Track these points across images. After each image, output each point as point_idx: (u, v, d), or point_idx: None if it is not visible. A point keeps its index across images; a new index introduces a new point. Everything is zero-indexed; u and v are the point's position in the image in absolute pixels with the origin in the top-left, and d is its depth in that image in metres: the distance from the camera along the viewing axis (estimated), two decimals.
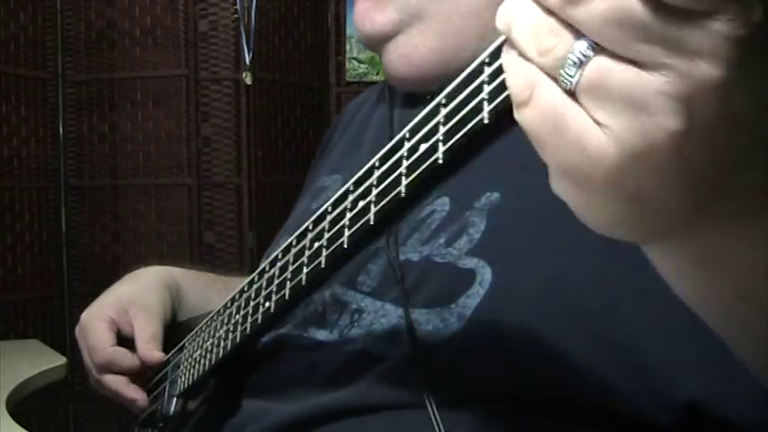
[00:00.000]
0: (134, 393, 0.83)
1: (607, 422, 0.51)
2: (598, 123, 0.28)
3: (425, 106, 0.73)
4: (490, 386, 0.54)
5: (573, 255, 0.45)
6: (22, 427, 0.93)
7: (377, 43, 0.73)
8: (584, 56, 0.28)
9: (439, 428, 0.52)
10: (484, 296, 0.56)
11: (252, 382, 0.71)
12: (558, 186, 0.30)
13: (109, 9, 2.49)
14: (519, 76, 0.30)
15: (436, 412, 0.53)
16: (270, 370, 0.69)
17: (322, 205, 0.77)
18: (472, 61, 0.78)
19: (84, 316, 0.87)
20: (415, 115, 0.74)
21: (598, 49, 0.27)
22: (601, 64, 0.27)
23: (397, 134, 0.74)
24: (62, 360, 1.37)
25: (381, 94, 0.83)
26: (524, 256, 0.56)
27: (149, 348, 0.82)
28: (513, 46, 0.31)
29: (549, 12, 0.28)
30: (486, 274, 0.56)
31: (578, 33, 0.28)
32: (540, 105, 0.29)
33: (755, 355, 0.38)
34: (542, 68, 0.29)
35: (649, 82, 0.26)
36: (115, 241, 2.52)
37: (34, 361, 1.35)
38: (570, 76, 0.28)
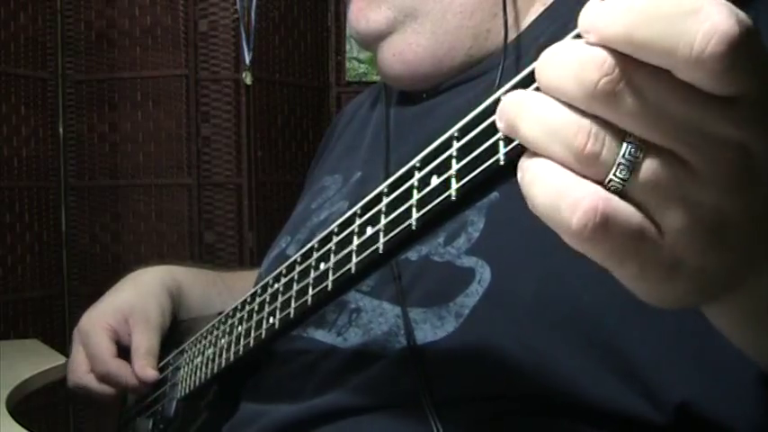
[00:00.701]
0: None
1: (600, 422, 0.51)
2: (649, 217, 0.28)
3: (419, 105, 0.74)
4: (486, 385, 0.54)
5: (569, 255, 0.45)
6: (22, 427, 0.93)
7: (371, 42, 0.74)
8: (634, 157, 0.27)
9: (436, 428, 0.52)
10: (482, 295, 0.56)
11: (251, 384, 0.71)
12: (620, 276, 0.31)
13: (109, 9, 2.49)
14: (562, 194, 0.28)
15: (433, 412, 0.53)
16: (269, 371, 0.69)
17: (322, 205, 0.78)
18: (465, 60, 0.77)
19: (85, 321, 0.87)
20: (410, 114, 0.75)
21: (645, 147, 0.27)
22: (652, 165, 0.27)
23: (392, 133, 0.75)
24: (62, 360, 1.37)
25: (379, 95, 0.84)
26: (522, 256, 0.56)
27: (143, 366, 0.82)
28: (532, 150, 0.29)
29: (580, 110, 0.28)
30: (485, 273, 0.56)
31: (619, 133, 0.28)
32: (606, 231, 0.28)
33: None
34: (586, 176, 0.28)
35: (695, 178, 0.27)
36: (115, 241, 2.52)
37: (34, 361, 1.35)
38: (623, 180, 0.28)
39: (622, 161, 0.28)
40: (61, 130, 2.51)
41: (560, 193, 0.28)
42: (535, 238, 0.56)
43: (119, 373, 0.82)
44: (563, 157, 0.28)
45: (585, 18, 0.27)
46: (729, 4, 0.25)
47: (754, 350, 0.38)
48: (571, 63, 0.27)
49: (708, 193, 0.28)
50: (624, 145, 0.28)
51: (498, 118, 0.31)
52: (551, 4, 0.70)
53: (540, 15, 0.69)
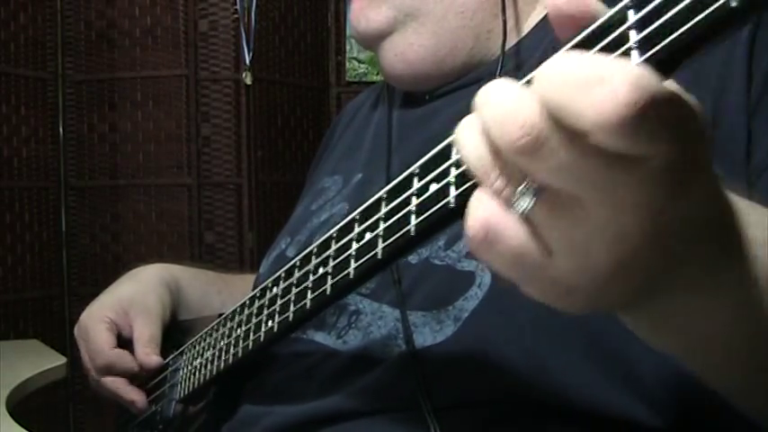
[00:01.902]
0: (133, 395, 0.83)
1: (600, 428, 0.51)
2: (544, 241, 0.31)
3: (422, 107, 0.74)
4: (485, 390, 0.54)
5: None
6: (22, 427, 0.93)
7: (372, 41, 0.74)
8: (536, 191, 0.30)
9: (435, 431, 0.52)
10: (482, 299, 0.56)
11: (251, 386, 0.71)
12: (523, 290, 0.35)
13: (109, 9, 2.49)
14: (476, 217, 0.32)
15: (432, 416, 0.53)
16: (269, 372, 0.69)
17: (322, 206, 0.77)
18: (467, 61, 0.77)
19: (84, 316, 0.87)
20: (413, 117, 0.75)
21: (542, 190, 0.30)
22: (547, 207, 0.30)
23: (394, 135, 0.75)
24: (62, 360, 1.37)
25: (380, 95, 0.84)
26: None
27: (147, 353, 0.82)
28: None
29: (496, 152, 0.31)
30: (485, 276, 0.56)
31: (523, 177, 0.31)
32: (498, 248, 0.32)
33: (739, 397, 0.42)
34: (496, 197, 0.32)
35: (590, 221, 0.30)
36: (115, 241, 2.52)
37: (34, 361, 1.35)
38: (521, 212, 0.31)
39: (528, 188, 0.31)
40: (61, 130, 2.51)
41: (475, 204, 0.32)
42: None
43: (117, 361, 0.82)
44: (485, 186, 0.32)
45: (538, 70, 0.29)
46: (638, 71, 0.26)
47: (677, 357, 0.41)
48: (499, 111, 0.29)
49: (602, 241, 0.30)
50: (523, 186, 0.31)
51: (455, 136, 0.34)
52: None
53: (542, 20, 0.69)
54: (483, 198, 0.32)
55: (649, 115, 0.26)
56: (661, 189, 0.29)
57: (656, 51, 0.28)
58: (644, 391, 0.51)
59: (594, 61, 0.27)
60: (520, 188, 0.31)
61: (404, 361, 0.57)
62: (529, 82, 0.31)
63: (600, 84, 0.26)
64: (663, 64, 0.28)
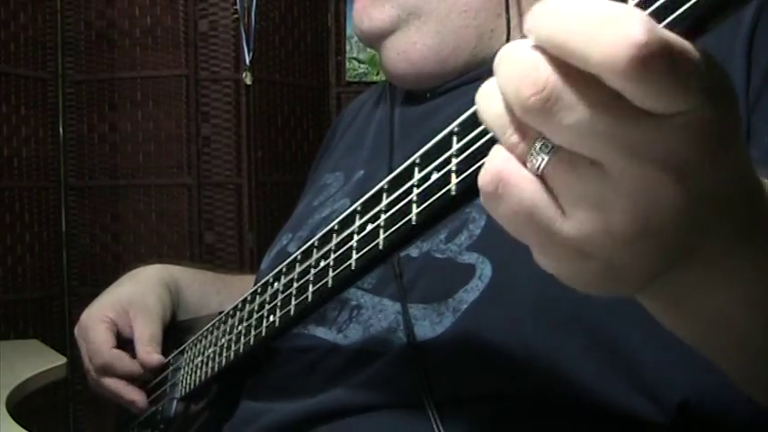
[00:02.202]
0: (133, 395, 0.83)
1: (601, 421, 0.51)
2: (559, 202, 0.30)
3: (424, 105, 0.74)
4: (485, 382, 0.54)
5: None
6: (22, 427, 0.93)
7: (374, 40, 0.74)
8: (546, 153, 0.30)
9: (437, 426, 0.52)
10: (483, 291, 0.56)
11: (252, 382, 0.71)
12: (536, 258, 0.33)
13: (109, 9, 2.49)
14: (488, 169, 0.31)
15: (434, 410, 0.53)
16: (270, 369, 0.69)
17: (323, 203, 0.77)
18: (469, 60, 0.77)
19: (84, 316, 0.87)
20: (415, 114, 0.75)
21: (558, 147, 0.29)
22: (562, 164, 0.29)
23: (396, 132, 0.75)
24: (62, 360, 1.37)
25: (382, 94, 0.84)
26: (524, 253, 0.56)
27: (148, 351, 0.82)
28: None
29: (511, 111, 0.30)
30: (485, 269, 0.56)
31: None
32: (509, 203, 0.31)
33: (741, 377, 0.41)
34: (512, 153, 0.31)
35: (607, 185, 0.28)
36: (115, 241, 2.52)
37: (34, 361, 1.35)
38: (535, 168, 0.30)
39: (534, 155, 0.30)
40: (61, 130, 2.51)
41: (487, 161, 0.31)
42: None
43: (116, 361, 0.82)
44: (500, 140, 0.31)
45: (528, 19, 0.28)
46: (651, 19, 0.26)
47: (689, 339, 0.40)
48: (514, 69, 0.29)
49: (622, 201, 0.29)
50: (540, 141, 0.30)
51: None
52: None
53: None
54: (498, 151, 0.31)
55: (664, 61, 0.25)
56: (690, 149, 0.28)
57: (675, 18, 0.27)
58: (644, 384, 0.51)
59: (606, 3, 0.26)
60: (537, 145, 0.30)
61: (404, 354, 0.57)
62: None
63: (612, 23, 0.26)
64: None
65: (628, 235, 0.29)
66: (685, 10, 0.27)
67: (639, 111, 0.27)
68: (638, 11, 0.26)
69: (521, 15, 0.70)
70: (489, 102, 0.31)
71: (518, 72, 0.28)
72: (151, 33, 2.47)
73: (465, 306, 0.56)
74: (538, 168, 0.30)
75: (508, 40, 0.67)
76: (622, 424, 0.51)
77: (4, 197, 2.35)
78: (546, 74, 0.28)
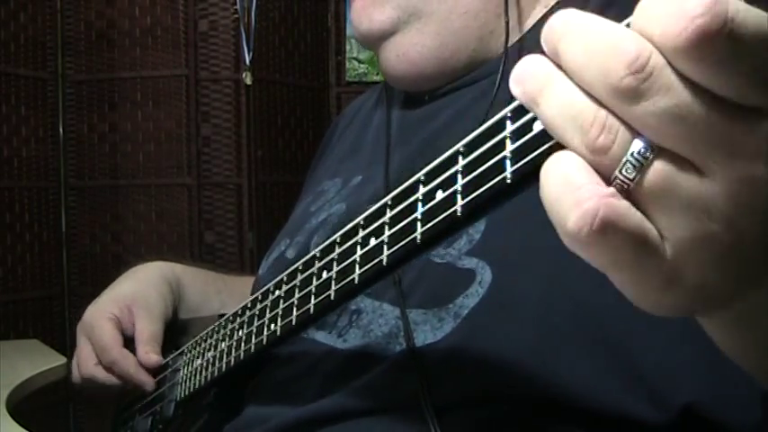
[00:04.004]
0: (142, 376, 0.83)
1: (602, 424, 0.51)
2: (654, 224, 0.27)
3: (422, 108, 0.74)
4: (486, 387, 0.54)
5: (572, 256, 0.46)
6: (22, 427, 0.93)
7: (374, 41, 0.73)
8: (643, 157, 0.26)
9: (435, 431, 0.52)
10: (483, 296, 0.56)
11: (253, 386, 0.71)
12: (615, 281, 0.29)
13: (109, 9, 2.49)
14: (568, 186, 0.27)
15: (433, 415, 0.53)
16: (270, 373, 0.69)
17: (321, 207, 0.77)
18: (469, 62, 0.77)
19: (88, 314, 0.87)
20: (413, 117, 0.75)
21: (657, 149, 0.26)
22: (663, 168, 0.26)
23: (393, 136, 0.74)
24: (62, 360, 1.37)
25: (380, 96, 0.83)
26: (524, 257, 0.56)
27: (147, 351, 0.82)
28: (550, 129, 0.28)
29: (599, 102, 0.26)
30: (485, 274, 0.56)
31: (634, 130, 0.26)
32: (613, 243, 0.26)
33: None
34: (594, 167, 0.27)
35: (710, 190, 0.26)
36: (115, 241, 2.52)
37: (34, 361, 1.35)
38: (629, 179, 0.26)
39: (631, 159, 0.26)
40: (61, 130, 2.51)
41: (567, 184, 0.27)
42: (537, 239, 0.56)
43: (123, 363, 0.82)
44: (576, 145, 0.27)
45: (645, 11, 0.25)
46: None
47: (744, 361, 0.38)
48: (598, 48, 0.25)
49: (721, 208, 0.26)
50: (635, 142, 0.26)
51: (518, 84, 0.29)
52: (553, 6, 0.69)
53: (542, 18, 0.69)
54: (580, 180, 0.26)
55: (724, 39, 0.23)
56: None
57: None
58: (646, 387, 0.51)
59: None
60: (628, 151, 0.26)
61: (404, 359, 0.57)
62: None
63: None
64: None
65: (727, 246, 0.26)
66: None
67: (732, 104, 0.25)
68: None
69: (519, 15, 0.70)
70: (557, 95, 0.27)
71: (604, 48, 0.25)
72: (151, 33, 2.47)
73: (466, 311, 0.56)
74: (633, 181, 0.26)
75: (507, 42, 0.67)
76: (624, 427, 0.51)
77: (4, 197, 2.35)
78: (640, 47, 0.25)
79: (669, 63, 0.25)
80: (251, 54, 2.44)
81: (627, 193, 0.26)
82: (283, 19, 2.64)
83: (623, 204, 0.26)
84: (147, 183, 2.49)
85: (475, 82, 0.70)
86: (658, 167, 0.26)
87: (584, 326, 0.52)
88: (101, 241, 2.53)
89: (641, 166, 0.26)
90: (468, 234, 0.59)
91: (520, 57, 0.69)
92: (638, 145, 0.26)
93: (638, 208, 0.27)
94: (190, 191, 2.48)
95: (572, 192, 0.27)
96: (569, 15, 0.27)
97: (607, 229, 0.26)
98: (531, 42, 0.68)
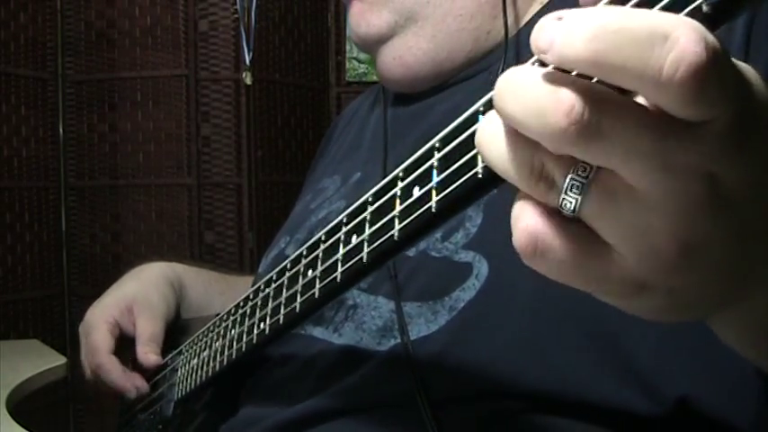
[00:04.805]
0: (130, 383, 0.83)
1: (598, 417, 0.51)
2: (605, 238, 0.28)
3: (416, 104, 0.74)
4: (481, 381, 0.54)
5: None
6: (22, 427, 0.93)
7: (371, 45, 0.74)
8: (581, 183, 0.27)
9: (431, 426, 0.52)
10: (479, 290, 0.56)
11: (250, 384, 0.71)
12: (597, 297, 0.31)
13: (109, 9, 2.49)
14: (521, 231, 0.29)
15: (428, 410, 0.53)
16: (267, 370, 0.69)
17: (321, 205, 0.78)
18: (466, 63, 0.77)
19: (89, 316, 0.87)
20: (407, 114, 0.75)
21: (595, 171, 0.27)
22: (601, 190, 0.27)
23: (390, 133, 0.75)
24: (62, 360, 1.37)
25: (378, 95, 0.84)
26: None
27: (146, 352, 0.82)
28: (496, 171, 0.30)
29: (533, 144, 0.28)
30: (482, 267, 0.56)
31: (572, 160, 0.27)
32: (553, 260, 0.29)
33: None
34: (540, 202, 0.29)
35: (651, 208, 0.27)
36: (115, 241, 2.52)
37: (34, 361, 1.35)
38: (570, 211, 0.28)
39: (566, 198, 0.28)
40: (61, 130, 2.51)
41: (515, 218, 0.29)
42: None
43: (105, 369, 0.82)
44: (520, 186, 0.29)
45: (542, 36, 0.26)
46: (700, 27, 0.24)
47: (761, 363, 0.38)
48: (535, 99, 0.26)
49: (663, 221, 0.27)
50: (567, 179, 0.28)
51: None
52: (547, 3, 0.70)
53: (538, 13, 0.69)
54: (524, 204, 0.29)
55: (715, 74, 0.24)
56: (721, 152, 0.26)
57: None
58: (642, 380, 0.51)
59: (649, 14, 0.25)
60: (566, 185, 0.28)
61: (398, 353, 0.57)
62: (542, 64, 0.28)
63: (663, 41, 0.24)
64: (719, 14, 0.25)
65: (674, 255, 0.28)
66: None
67: (679, 122, 0.26)
68: (684, 17, 0.25)
69: (516, 15, 0.70)
70: (495, 146, 0.29)
71: (542, 102, 0.26)
72: (151, 33, 2.47)
73: (461, 305, 0.56)
74: (574, 210, 0.28)
75: (506, 41, 0.67)
76: (620, 420, 0.51)
77: (4, 197, 2.35)
78: (580, 96, 0.25)
79: (608, 104, 0.26)
80: (251, 54, 2.44)
81: (575, 214, 0.28)
82: (283, 19, 2.64)
83: (553, 222, 0.28)
84: (147, 183, 2.49)
85: (471, 77, 0.70)
86: (595, 198, 0.27)
87: (579, 320, 0.52)
88: (101, 241, 2.53)
89: (580, 191, 0.28)
90: (464, 228, 0.59)
91: (517, 52, 0.68)
92: (576, 170, 0.28)
93: (581, 228, 0.28)
94: (190, 191, 2.48)
95: (514, 215, 0.29)
96: (509, 71, 0.28)
97: (541, 250, 0.29)
98: (526, 38, 0.68)
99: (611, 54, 0.24)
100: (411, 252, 0.61)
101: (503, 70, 0.64)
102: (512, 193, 0.31)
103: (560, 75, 0.26)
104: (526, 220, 0.29)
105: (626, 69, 0.24)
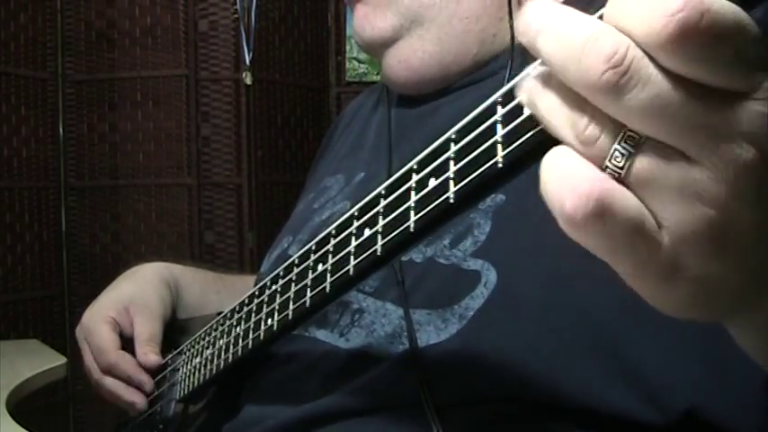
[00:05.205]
0: (133, 396, 0.83)
1: (604, 426, 0.51)
2: (650, 211, 0.27)
3: (423, 105, 0.74)
4: (489, 389, 0.54)
5: (576, 258, 0.46)
6: (22, 427, 0.93)
7: (376, 48, 0.73)
8: (630, 146, 0.26)
9: (437, 429, 0.52)
10: (488, 298, 0.55)
11: (252, 384, 0.71)
12: (618, 271, 0.30)
13: (109, 9, 2.49)
14: (565, 176, 0.27)
15: (434, 415, 0.53)
16: (270, 371, 0.69)
17: (324, 205, 0.77)
18: (472, 65, 0.77)
19: (86, 317, 0.87)
20: (413, 114, 0.75)
21: (644, 137, 0.26)
22: (650, 156, 0.26)
23: (394, 133, 0.75)
24: (62, 360, 1.37)
25: (382, 94, 0.83)
26: (529, 259, 0.56)
27: (146, 352, 0.82)
28: (544, 125, 0.29)
29: (584, 99, 0.27)
30: (491, 275, 0.56)
31: (620, 123, 0.27)
32: (612, 226, 0.27)
33: None
34: (587, 158, 0.27)
35: (700, 175, 0.26)
36: (115, 241, 2.52)
37: (34, 361, 1.35)
38: (619, 167, 0.27)
39: (618, 148, 0.27)
40: (61, 130, 2.51)
41: (564, 174, 0.27)
42: (542, 242, 0.56)
43: (120, 363, 0.82)
44: (568, 139, 0.28)
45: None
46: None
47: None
48: (575, 45, 0.26)
49: (712, 193, 0.26)
50: (621, 133, 0.27)
51: (519, 87, 0.30)
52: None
53: None
54: (574, 165, 0.27)
55: (705, 31, 0.24)
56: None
57: None
58: (648, 389, 0.50)
59: None
60: (617, 139, 0.26)
61: (407, 359, 0.57)
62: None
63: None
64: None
65: (722, 228, 0.26)
66: None
67: (713, 90, 0.25)
68: None
69: None
70: (543, 93, 0.28)
71: (581, 44, 0.25)
72: (151, 33, 2.47)
73: (471, 313, 0.55)
74: (623, 168, 0.26)
75: (512, 43, 0.67)
76: (626, 429, 0.51)
77: (4, 197, 2.35)
78: (618, 41, 0.25)
79: (647, 55, 0.25)
80: (251, 54, 2.44)
81: (620, 180, 0.27)
82: (283, 19, 2.64)
83: (617, 188, 0.27)
84: (147, 183, 2.49)
85: (479, 81, 0.70)
86: (645, 155, 0.27)
87: (586, 328, 0.52)
88: (101, 241, 2.53)
89: (629, 154, 0.27)
90: (473, 235, 0.59)
91: (524, 57, 0.68)
92: (624, 134, 0.27)
93: (635, 190, 0.27)
94: (190, 191, 2.48)
95: (568, 179, 0.27)
96: (544, 8, 0.27)
97: (602, 210, 0.26)
98: None
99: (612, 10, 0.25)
100: (418, 258, 0.61)
101: (509, 77, 0.64)
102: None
103: (602, 23, 0.26)
104: (581, 177, 0.27)
105: (622, 25, 0.25)
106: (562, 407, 0.52)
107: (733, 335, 0.35)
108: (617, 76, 0.25)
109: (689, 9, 0.24)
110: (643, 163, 0.26)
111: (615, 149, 0.27)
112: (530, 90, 0.29)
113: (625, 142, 0.26)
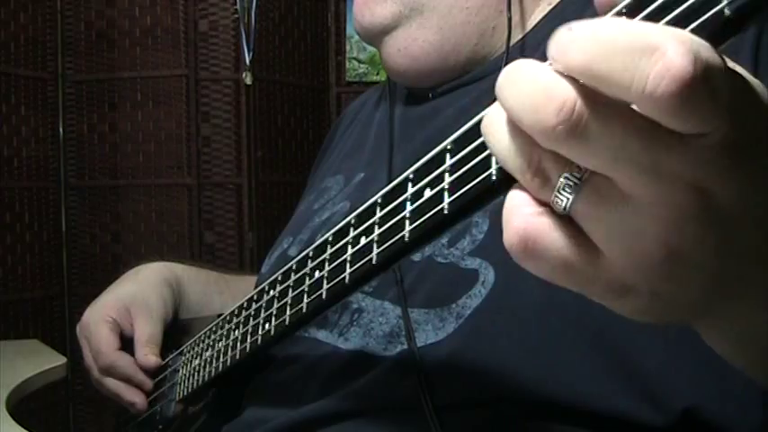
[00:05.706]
0: (133, 396, 0.83)
1: (603, 426, 0.51)
2: (593, 239, 0.29)
3: (424, 105, 0.74)
4: (487, 388, 0.54)
5: None
6: (22, 427, 0.93)
7: (375, 36, 0.73)
8: (575, 183, 0.28)
9: (436, 430, 0.52)
10: (486, 297, 0.55)
11: (253, 386, 0.71)
12: (586, 294, 0.31)
13: (109, 9, 2.49)
14: (513, 229, 0.30)
15: (433, 416, 0.53)
16: (270, 372, 0.69)
17: (324, 206, 0.77)
18: (471, 57, 0.77)
19: (87, 316, 0.87)
20: (415, 115, 0.75)
21: (589, 174, 0.28)
22: (593, 192, 0.28)
23: (396, 134, 0.75)
24: (62, 360, 1.37)
25: (383, 94, 0.83)
26: None
27: (146, 353, 0.82)
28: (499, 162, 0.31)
29: (528, 143, 0.28)
30: (489, 274, 0.56)
31: (567, 160, 0.28)
32: (543, 259, 0.29)
33: None
34: (535, 191, 0.29)
35: (640, 212, 0.27)
36: (115, 241, 2.52)
37: (34, 361, 1.35)
38: (563, 203, 0.28)
39: (563, 183, 0.28)
40: (61, 130, 2.51)
41: (508, 207, 0.30)
42: None
43: (119, 363, 0.82)
44: (516, 175, 0.30)
45: (554, 44, 0.26)
46: (692, 40, 0.24)
47: (750, 372, 0.38)
48: (530, 93, 0.27)
49: (651, 227, 0.27)
50: (568, 168, 0.28)
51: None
52: (557, 5, 0.69)
53: (546, 16, 0.69)
54: (517, 202, 0.30)
55: (704, 88, 0.24)
56: (714, 165, 0.26)
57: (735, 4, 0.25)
58: (648, 390, 0.50)
59: (643, 27, 0.25)
60: (561, 182, 0.28)
61: (405, 359, 0.57)
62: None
63: (650, 53, 0.24)
64: (741, 18, 0.25)
65: (663, 260, 0.28)
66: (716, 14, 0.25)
67: (671, 133, 0.26)
68: (678, 31, 0.25)
69: (522, 12, 0.70)
70: (499, 135, 0.29)
71: (536, 97, 0.26)
72: (151, 33, 2.47)
73: (468, 312, 0.55)
74: (565, 208, 0.28)
75: (509, 38, 0.67)
76: (625, 429, 0.51)
77: (4, 197, 2.35)
78: (571, 96, 0.26)
79: (601, 108, 0.26)
80: (251, 54, 2.44)
81: (563, 215, 0.29)
82: (283, 19, 2.64)
83: (546, 224, 0.29)
84: (147, 183, 2.49)
85: (477, 80, 0.70)
86: (588, 191, 0.28)
87: (585, 328, 0.52)
88: (101, 241, 2.53)
89: (573, 190, 0.28)
90: (471, 234, 0.59)
91: (522, 55, 0.68)
92: (571, 170, 0.28)
93: (572, 228, 0.29)
94: (190, 191, 2.48)
95: (509, 212, 0.30)
96: (513, 67, 0.28)
97: (529, 246, 0.29)
98: (532, 41, 0.68)
99: (599, 64, 0.25)
100: (417, 257, 0.61)
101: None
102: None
103: (559, 75, 0.27)
104: (518, 218, 0.29)
105: (612, 80, 0.25)
106: (561, 407, 0.52)
107: (701, 335, 0.35)
108: (570, 128, 0.26)
109: (697, 71, 0.24)
110: (584, 206, 0.28)
111: (561, 185, 0.28)
112: (484, 125, 0.30)
113: (572, 175, 0.28)
